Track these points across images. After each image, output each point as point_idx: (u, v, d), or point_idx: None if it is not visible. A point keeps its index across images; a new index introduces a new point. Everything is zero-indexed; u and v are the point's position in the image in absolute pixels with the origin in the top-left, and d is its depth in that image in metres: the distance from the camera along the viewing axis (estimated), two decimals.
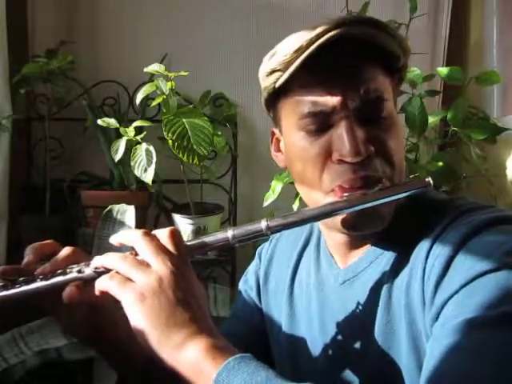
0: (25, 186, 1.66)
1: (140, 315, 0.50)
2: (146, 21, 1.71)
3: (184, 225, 1.50)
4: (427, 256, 0.55)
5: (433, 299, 0.52)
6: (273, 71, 0.60)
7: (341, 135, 0.57)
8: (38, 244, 0.62)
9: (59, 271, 0.57)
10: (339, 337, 0.64)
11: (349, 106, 0.57)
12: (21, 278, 0.57)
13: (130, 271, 0.52)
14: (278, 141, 0.68)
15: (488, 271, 0.48)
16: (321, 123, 0.58)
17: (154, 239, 0.55)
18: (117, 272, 0.54)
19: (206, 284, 1.57)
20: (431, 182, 0.57)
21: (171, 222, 1.58)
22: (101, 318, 0.60)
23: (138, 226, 1.42)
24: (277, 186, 1.38)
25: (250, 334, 0.77)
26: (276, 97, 0.63)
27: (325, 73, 0.57)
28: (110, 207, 1.43)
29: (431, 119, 1.39)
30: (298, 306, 0.72)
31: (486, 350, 0.45)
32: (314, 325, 0.68)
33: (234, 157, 1.71)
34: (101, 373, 1.46)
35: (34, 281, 0.57)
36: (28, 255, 0.61)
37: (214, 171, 1.61)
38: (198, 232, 1.49)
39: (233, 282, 1.63)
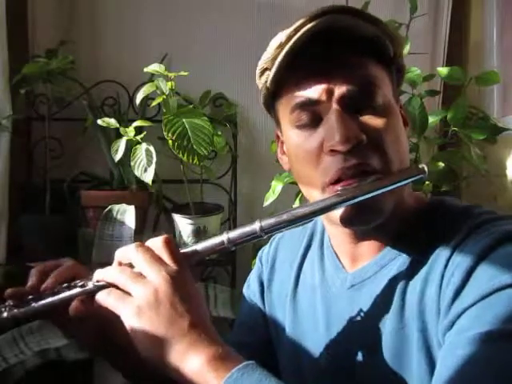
0: (25, 186, 1.66)
1: (139, 329, 0.50)
2: (146, 21, 1.71)
3: (184, 225, 1.50)
4: (446, 264, 0.54)
5: (449, 308, 0.51)
6: (263, 71, 0.61)
7: (330, 125, 0.56)
8: (41, 266, 0.62)
9: (64, 285, 0.58)
10: (346, 341, 0.63)
11: (336, 93, 0.56)
12: (29, 297, 0.59)
13: (127, 284, 0.52)
14: (283, 143, 0.67)
15: (509, 285, 0.48)
16: (311, 115, 0.57)
17: (149, 250, 0.54)
18: (115, 286, 0.54)
19: (205, 284, 1.57)
20: (426, 169, 0.55)
21: (171, 222, 1.58)
22: (109, 328, 0.60)
23: (137, 226, 1.42)
24: (277, 186, 1.38)
25: (257, 340, 0.76)
26: (272, 97, 0.63)
27: (309, 65, 0.57)
28: (109, 207, 1.43)
29: (431, 119, 1.39)
30: (302, 309, 0.71)
31: (500, 363, 0.45)
32: (319, 328, 0.67)
33: (234, 157, 1.71)
34: (101, 373, 1.46)
35: (41, 298, 0.58)
36: (32, 277, 0.61)
37: (214, 171, 1.61)
38: (198, 232, 1.49)
39: (233, 282, 1.63)
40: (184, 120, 1.27)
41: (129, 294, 0.52)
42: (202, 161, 1.28)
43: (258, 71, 0.62)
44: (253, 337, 0.77)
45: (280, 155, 0.69)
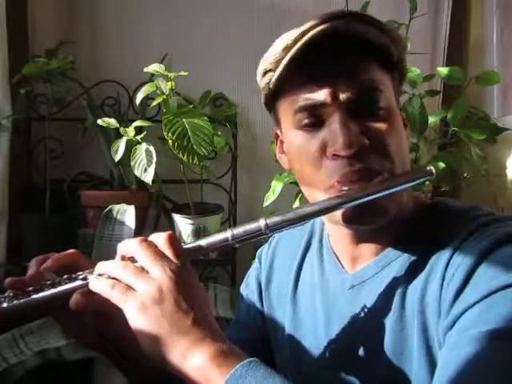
0: (25, 186, 1.66)
1: (142, 325, 0.49)
2: (146, 21, 1.71)
3: (184, 225, 1.50)
4: (447, 264, 0.54)
5: (450, 308, 0.51)
6: (266, 72, 0.61)
7: (333, 129, 0.56)
8: (41, 257, 0.62)
9: (65, 277, 0.57)
10: (346, 341, 0.63)
11: (339, 97, 0.56)
12: (30, 288, 0.57)
13: (131, 279, 0.52)
14: (282, 142, 0.68)
15: (510, 285, 0.48)
16: (314, 117, 0.58)
17: (152, 246, 0.54)
18: (118, 280, 0.53)
19: (206, 284, 1.57)
20: (433, 170, 0.55)
21: (171, 222, 1.58)
22: (109, 324, 0.59)
23: (137, 226, 1.42)
24: (277, 186, 1.38)
25: (254, 338, 0.76)
26: (273, 97, 0.63)
27: (314, 68, 0.57)
28: (109, 207, 1.43)
29: (431, 119, 1.39)
30: (301, 309, 0.71)
31: (502, 362, 0.45)
32: (318, 328, 0.67)
33: (234, 157, 1.71)
34: (101, 373, 1.46)
35: (42, 290, 0.57)
36: (32, 267, 0.60)
37: (213, 171, 1.61)
38: (198, 232, 1.49)
39: (233, 281, 1.63)
40: (184, 120, 1.27)
41: (132, 288, 0.52)
42: (202, 161, 1.28)
43: (260, 71, 0.62)
44: (249, 335, 0.77)
45: (279, 154, 0.69)
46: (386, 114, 0.58)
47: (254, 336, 0.77)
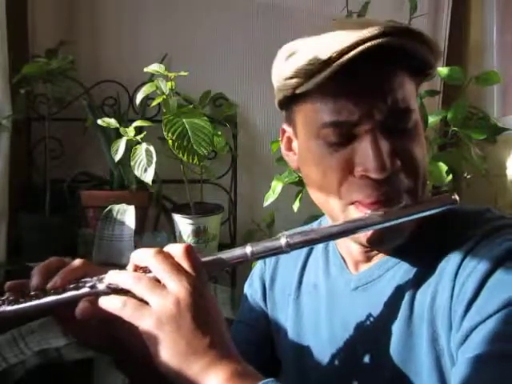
0: (25, 186, 1.66)
1: (158, 342, 0.48)
2: (146, 21, 1.71)
3: (184, 225, 1.50)
4: (457, 272, 0.53)
5: (462, 320, 0.50)
6: (294, 76, 0.56)
7: (365, 149, 0.54)
8: (44, 264, 0.59)
9: (72, 285, 0.55)
10: (349, 342, 0.62)
11: (375, 117, 0.54)
12: (32, 292, 0.55)
13: (145, 294, 0.50)
14: (290, 140, 0.65)
15: None
16: (343, 134, 0.55)
17: (169, 258, 0.52)
18: (130, 294, 0.52)
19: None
20: (457, 199, 0.54)
21: (171, 222, 1.58)
22: (114, 329, 0.57)
23: (137, 226, 1.42)
24: (277, 186, 1.38)
25: (257, 338, 0.76)
26: (293, 99, 0.60)
27: (351, 82, 0.54)
28: (110, 207, 1.43)
29: (431, 119, 1.39)
30: (305, 310, 0.70)
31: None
32: (321, 330, 0.66)
33: (234, 157, 1.71)
34: (101, 373, 1.46)
35: (45, 295, 0.55)
36: (35, 276, 0.57)
37: (213, 171, 1.61)
38: (197, 232, 1.49)
39: (233, 281, 1.63)
40: (184, 120, 1.27)
41: (146, 302, 0.50)
42: (202, 161, 1.28)
43: (285, 74, 0.57)
44: (253, 334, 0.77)
45: (286, 151, 0.67)
46: (415, 132, 0.57)
47: (255, 336, 0.76)
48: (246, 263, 0.56)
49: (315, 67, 0.53)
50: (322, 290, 0.68)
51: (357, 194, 0.55)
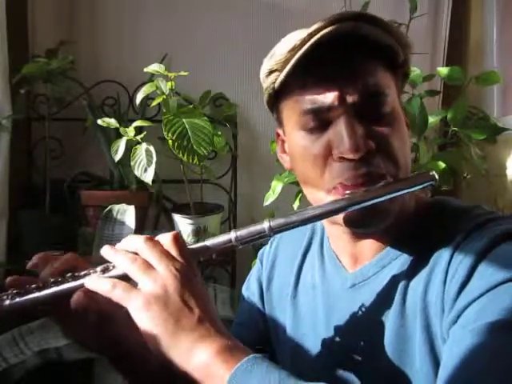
0: (25, 186, 1.66)
1: (148, 322, 0.50)
2: (146, 21, 1.71)
3: (184, 225, 1.50)
4: (449, 261, 0.54)
5: (454, 302, 0.52)
6: (271, 72, 0.60)
7: (340, 131, 0.56)
8: (42, 254, 0.61)
9: (68, 275, 0.57)
10: (347, 340, 0.63)
11: (347, 100, 0.56)
12: (33, 285, 0.57)
13: (137, 274, 0.52)
14: (283, 142, 0.67)
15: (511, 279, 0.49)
16: (320, 120, 0.57)
17: (158, 245, 0.54)
18: (118, 278, 0.54)
19: (206, 284, 1.57)
20: (436, 176, 0.55)
21: (171, 222, 1.58)
22: (111, 327, 0.59)
23: (137, 226, 1.42)
24: (277, 186, 1.38)
25: (255, 339, 0.76)
26: (277, 97, 0.63)
27: (321, 70, 0.57)
28: (110, 207, 1.43)
29: (431, 119, 1.39)
30: (302, 310, 0.71)
31: (507, 352, 0.45)
32: (319, 328, 0.67)
33: (234, 157, 1.71)
34: (101, 373, 1.46)
35: (45, 288, 0.57)
36: (33, 260, 0.60)
37: (213, 171, 1.61)
38: (198, 232, 1.49)
39: (233, 282, 1.63)
40: (184, 120, 1.27)
41: (135, 285, 0.52)
42: (202, 161, 1.28)
43: (264, 71, 0.62)
44: (251, 336, 0.76)
45: (280, 154, 0.69)
46: (391, 117, 0.58)
47: (253, 337, 0.76)
48: (231, 248, 0.57)
49: (284, 57, 0.57)
50: (319, 290, 0.69)
51: (338, 178, 0.57)
